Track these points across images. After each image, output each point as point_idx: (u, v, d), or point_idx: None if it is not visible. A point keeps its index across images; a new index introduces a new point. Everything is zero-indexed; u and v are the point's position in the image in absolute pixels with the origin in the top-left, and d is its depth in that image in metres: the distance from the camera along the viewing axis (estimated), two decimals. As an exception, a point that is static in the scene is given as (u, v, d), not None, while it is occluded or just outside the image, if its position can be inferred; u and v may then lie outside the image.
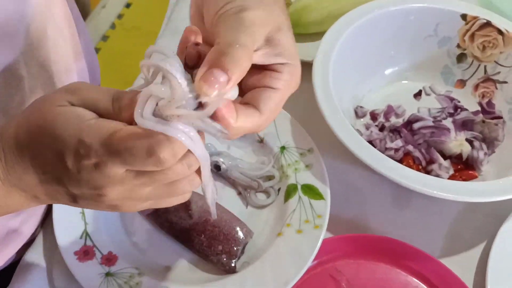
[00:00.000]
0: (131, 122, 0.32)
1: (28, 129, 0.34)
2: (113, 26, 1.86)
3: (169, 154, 0.30)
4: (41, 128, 0.33)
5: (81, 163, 0.31)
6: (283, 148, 0.59)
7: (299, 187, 0.56)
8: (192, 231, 0.52)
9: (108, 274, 0.49)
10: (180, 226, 0.53)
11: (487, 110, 0.63)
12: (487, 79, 0.66)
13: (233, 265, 0.51)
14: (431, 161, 0.60)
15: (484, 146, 0.61)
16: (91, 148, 0.31)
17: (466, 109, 0.64)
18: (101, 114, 0.33)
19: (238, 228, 0.52)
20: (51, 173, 0.33)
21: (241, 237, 0.52)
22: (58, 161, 0.32)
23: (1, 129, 0.35)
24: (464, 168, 0.60)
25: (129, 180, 0.32)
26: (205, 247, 0.52)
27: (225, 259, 0.51)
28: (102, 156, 0.31)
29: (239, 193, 0.58)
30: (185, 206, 0.53)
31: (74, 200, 0.35)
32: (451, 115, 0.64)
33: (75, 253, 0.50)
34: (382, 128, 0.63)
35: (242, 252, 0.53)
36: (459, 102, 0.65)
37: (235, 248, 0.51)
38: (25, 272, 0.52)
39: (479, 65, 0.66)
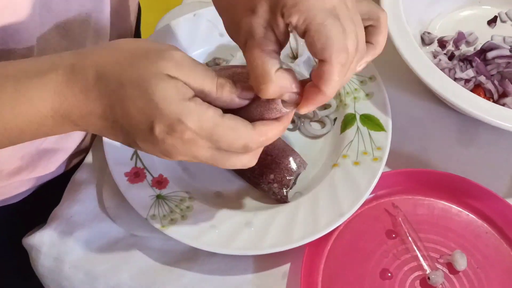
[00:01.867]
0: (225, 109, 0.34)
1: (121, 77, 0.32)
2: None
3: (259, 151, 0.36)
4: (134, 90, 0.32)
5: (172, 136, 0.32)
6: (341, 75, 0.55)
7: (357, 117, 0.53)
8: None
9: (159, 197, 0.49)
10: None
11: None
12: None
13: (284, 194, 0.49)
14: (504, 95, 0.55)
15: None
16: (190, 129, 0.32)
17: (548, 38, 0.57)
18: (201, 96, 0.33)
19: (291, 158, 0.50)
20: (125, 126, 0.33)
21: (294, 167, 0.50)
22: (143, 123, 0.32)
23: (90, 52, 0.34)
24: (541, 103, 0.55)
25: (205, 156, 0.34)
26: (256, 174, 0.50)
27: (276, 188, 0.49)
28: (199, 138, 0.32)
29: (293, 122, 0.55)
30: None
31: (129, 145, 0.35)
32: (529, 44, 0.57)
33: (126, 174, 0.49)
34: (451, 57, 0.57)
35: (295, 182, 0.51)
36: (540, 30, 0.59)
37: (287, 178, 0.49)
38: (75, 191, 0.52)
39: None
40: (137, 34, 0.70)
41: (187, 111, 0.32)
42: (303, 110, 0.34)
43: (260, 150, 0.36)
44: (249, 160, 0.36)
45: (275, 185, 0.49)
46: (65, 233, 0.50)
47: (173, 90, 0.32)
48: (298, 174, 0.51)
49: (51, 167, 0.55)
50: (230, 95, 0.34)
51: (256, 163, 0.49)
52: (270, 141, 0.35)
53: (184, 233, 0.47)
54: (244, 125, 0.34)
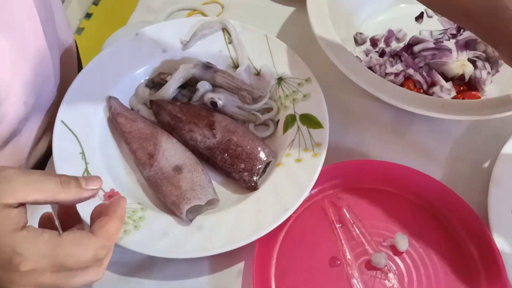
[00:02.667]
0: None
1: None
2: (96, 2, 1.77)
3: (109, 257, 0.36)
4: None
5: (8, 271, 0.31)
6: (280, 79, 0.58)
7: (297, 117, 0.56)
8: (215, 150, 0.53)
9: (111, 210, 0.50)
10: (205, 145, 0.54)
11: (491, 27, 0.60)
12: (492, -4, 0.63)
13: (254, 181, 0.52)
14: (432, 84, 0.58)
15: (487, 65, 0.59)
16: (26, 259, 0.31)
17: (469, 29, 0.61)
18: (50, 200, 0.34)
19: (260, 148, 0.53)
20: None
21: (263, 156, 0.53)
22: None
23: None
24: (467, 89, 0.59)
25: (46, 280, 0.32)
26: (228, 164, 0.53)
27: (247, 176, 0.52)
28: (42, 266, 0.31)
29: (239, 126, 0.58)
30: (209, 126, 0.54)
31: None
32: (454, 36, 0.62)
33: (78, 191, 0.51)
34: (382, 54, 0.61)
35: (264, 171, 0.54)
36: (462, 22, 0.63)
37: (257, 167, 0.52)
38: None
39: (483, -20, 0.62)
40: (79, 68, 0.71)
41: (21, 242, 0.31)
42: None
43: (108, 259, 0.36)
44: (96, 272, 0.34)
45: (246, 173, 0.52)
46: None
47: (5, 222, 0.31)
48: (268, 163, 0.54)
49: None
50: (78, 189, 0.35)
51: (228, 154, 0.53)
52: (114, 239, 0.36)
53: (137, 243, 0.48)
54: (86, 235, 0.34)
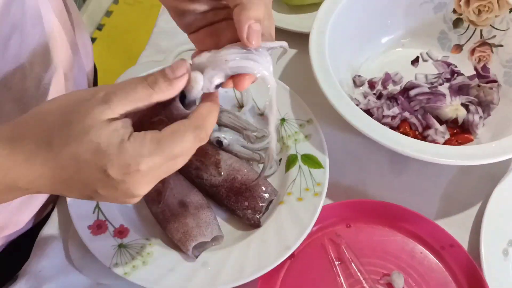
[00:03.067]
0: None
1: (62, 137, 0.34)
2: (116, 1, 1.86)
3: (206, 138, 0.36)
4: (82, 142, 0.33)
5: (130, 173, 0.34)
6: (283, 120, 0.61)
7: (299, 157, 0.59)
8: (221, 187, 0.56)
9: (121, 246, 0.53)
10: (210, 182, 0.56)
11: (482, 74, 0.64)
12: (483, 43, 0.67)
13: (257, 219, 0.54)
14: (427, 127, 0.61)
15: (479, 109, 0.62)
16: (142, 158, 0.33)
17: (462, 74, 0.65)
18: (145, 105, 0.35)
19: (263, 187, 0.55)
20: (81, 180, 0.34)
21: (266, 195, 0.55)
22: (96, 173, 0.34)
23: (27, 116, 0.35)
24: (460, 132, 0.62)
25: (161, 171, 0.35)
26: (232, 202, 0.55)
27: (250, 214, 0.54)
28: (157, 163, 0.34)
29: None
30: (215, 164, 0.56)
31: (88, 198, 0.36)
32: (448, 80, 0.65)
33: (89, 227, 0.53)
34: (380, 96, 0.64)
35: (267, 208, 0.56)
36: (455, 67, 0.66)
37: (260, 204, 0.54)
38: (43, 246, 0.55)
39: (475, 29, 0.66)
40: None
41: (131, 148, 0.33)
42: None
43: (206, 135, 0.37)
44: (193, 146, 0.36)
45: (249, 211, 0.54)
46: (35, 287, 0.53)
47: (114, 134, 0.33)
48: (270, 201, 0.56)
49: (20, 224, 0.58)
50: (167, 83, 0.35)
51: (232, 192, 0.55)
52: (207, 119, 0.36)
53: (145, 278, 0.51)
54: (179, 123, 0.35)
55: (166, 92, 0.35)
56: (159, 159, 0.34)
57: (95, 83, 0.72)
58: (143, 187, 0.35)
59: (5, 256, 0.60)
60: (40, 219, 0.62)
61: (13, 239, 0.60)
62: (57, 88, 0.55)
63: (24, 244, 0.58)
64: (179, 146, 0.34)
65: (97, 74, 0.74)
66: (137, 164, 0.33)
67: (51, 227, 0.57)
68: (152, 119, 0.38)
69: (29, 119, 0.35)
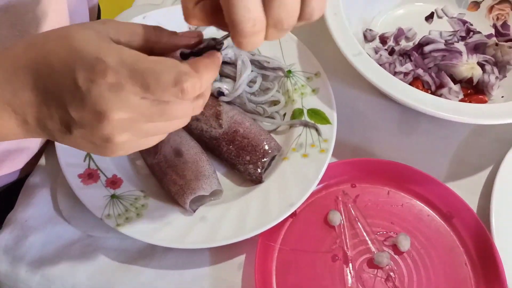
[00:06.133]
0: None
1: (46, 37, 0.32)
2: None
3: (192, 87, 0.31)
4: (56, 42, 0.31)
5: (95, 80, 0.30)
6: (289, 72, 0.57)
7: (305, 111, 0.55)
8: (221, 140, 0.52)
9: (113, 197, 0.49)
10: (210, 135, 0.53)
11: (502, 32, 0.60)
12: (503, 1, 0.63)
13: (259, 174, 0.51)
14: (441, 86, 0.58)
15: (495, 70, 0.59)
16: (110, 67, 0.30)
17: (479, 32, 0.61)
18: (146, 38, 0.33)
19: (265, 141, 0.52)
20: (54, 91, 0.32)
21: (268, 150, 0.52)
22: (66, 77, 0.31)
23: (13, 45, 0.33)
24: (474, 92, 0.59)
25: (139, 110, 0.31)
26: (233, 156, 0.52)
27: (252, 169, 0.51)
28: (123, 77, 0.30)
29: (244, 118, 0.57)
30: (216, 115, 0.53)
31: (67, 128, 0.32)
32: (463, 38, 0.61)
33: (79, 175, 0.50)
34: (391, 52, 0.61)
35: (269, 164, 0.53)
36: (471, 25, 0.63)
37: (262, 159, 0.51)
38: (30, 195, 0.52)
39: (496, -15, 0.62)
40: None
41: (105, 49, 0.30)
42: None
43: (202, 101, 0.34)
44: (188, 108, 0.33)
45: (251, 166, 0.51)
46: (20, 237, 0.50)
47: (92, 33, 0.31)
48: (273, 157, 0.53)
49: (13, 167, 0.54)
50: (170, 33, 0.34)
51: (233, 146, 0.52)
52: (204, 79, 0.32)
53: (139, 231, 0.48)
54: (171, 59, 0.32)
55: (164, 38, 0.34)
56: (128, 78, 0.30)
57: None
58: (110, 106, 0.30)
59: None
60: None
61: (2, 189, 0.56)
62: (60, 22, 0.50)
63: (14, 195, 0.55)
64: (153, 77, 0.30)
65: (101, 14, 0.69)
66: (104, 69, 0.30)
67: (39, 175, 0.53)
68: None
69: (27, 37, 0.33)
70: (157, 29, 0.34)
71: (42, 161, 0.55)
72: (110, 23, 0.33)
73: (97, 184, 0.50)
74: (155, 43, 0.34)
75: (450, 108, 0.50)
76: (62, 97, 0.31)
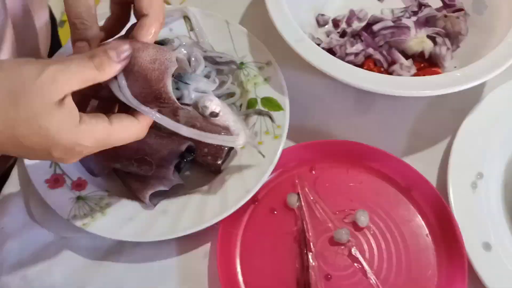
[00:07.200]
0: None
1: (12, 129, 0.34)
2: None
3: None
4: (28, 127, 0.34)
5: (71, 156, 0.36)
6: (241, 64, 0.59)
7: (258, 100, 0.57)
8: (179, 135, 0.54)
9: (79, 198, 0.52)
10: (169, 130, 0.54)
11: (448, 3, 0.61)
12: (452, -27, 0.63)
13: (218, 165, 0.53)
14: (392, 62, 0.59)
15: (447, 41, 0.59)
16: (87, 148, 0.36)
17: (429, 6, 0.62)
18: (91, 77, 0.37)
19: (223, 133, 0.54)
20: (22, 153, 0.36)
21: None
22: (40, 150, 0.35)
23: None
24: (428, 66, 0.59)
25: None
26: None
27: (210, 160, 0.53)
28: (95, 149, 0.37)
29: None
30: (173, 112, 0.55)
31: (26, 155, 0.38)
32: (415, 13, 0.62)
33: (46, 181, 0.53)
34: (343, 34, 0.62)
35: (228, 154, 0.55)
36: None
37: (220, 151, 0.53)
38: (4, 204, 0.55)
39: (443, -43, 0.63)
40: (55, 41, 0.73)
41: (81, 135, 0.36)
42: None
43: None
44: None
45: (209, 157, 0.54)
46: (-2, 244, 0.53)
47: (65, 120, 0.35)
48: (231, 148, 0.55)
49: None
50: (112, 66, 0.37)
51: (192, 139, 0.53)
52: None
53: (105, 228, 0.50)
54: (131, 122, 0.39)
55: (110, 74, 0.37)
56: (103, 147, 0.38)
57: (54, 34, 0.70)
58: (76, 158, 0.37)
59: None
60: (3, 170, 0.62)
61: None
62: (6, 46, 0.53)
63: None
64: (122, 142, 0.38)
65: (56, 24, 0.71)
66: (81, 151, 0.36)
67: (12, 185, 0.56)
68: (94, 94, 0.41)
69: None
70: (92, 56, 0.37)
71: (15, 171, 0.58)
72: (61, 80, 0.34)
73: (63, 187, 0.53)
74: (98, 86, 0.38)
75: (396, 84, 0.51)
76: (31, 154, 0.36)
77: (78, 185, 0.53)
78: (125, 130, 0.39)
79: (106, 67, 0.37)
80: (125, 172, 0.53)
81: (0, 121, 0.33)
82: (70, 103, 0.35)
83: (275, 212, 0.54)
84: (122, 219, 0.51)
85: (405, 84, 0.52)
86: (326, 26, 0.64)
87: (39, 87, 0.33)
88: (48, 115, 0.33)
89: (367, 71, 0.54)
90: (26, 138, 0.34)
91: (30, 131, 0.33)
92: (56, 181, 0.53)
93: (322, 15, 0.64)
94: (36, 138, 0.34)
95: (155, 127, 0.55)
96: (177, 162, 0.52)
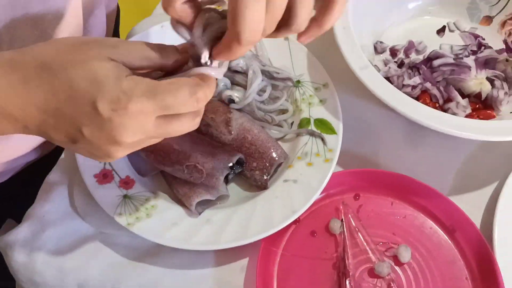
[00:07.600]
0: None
1: (63, 63, 0.34)
2: None
3: (204, 95, 0.36)
4: (76, 71, 0.33)
5: (117, 110, 0.33)
6: (298, 82, 0.59)
7: (312, 121, 0.57)
8: (231, 146, 0.54)
9: (125, 197, 0.52)
10: (219, 140, 0.55)
11: (511, 47, 0.61)
12: (516, 16, 0.63)
13: (265, 181, 0.53)
14: (448, 100, 0.59)
15: (505, 85, 0.59)
16: (134, 99, 0.33)
17: (490, 47, 0.62)
18: (149, 64, 0.37)
19: (272, 149, 0.54)
20: (68, 112, 0.34)
21: (275, 157, 0.54)
22: (86, 103, 0.33)
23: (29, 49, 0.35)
24: (483, 107, 0.59)
25: (149, 133, 0.35)
26: None
27: (258, 175, 0.53)
28: (144, 106, 0.34)
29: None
30: (226, 122, 0.55)
31: (72, 141, 0.35)
32: (474, 53, 0.62)
33: (95, 175, 0.53)
34: (401, 65, 0.62)
35: (275, 171, 0.55)
36: (483, 39, 0.63)
37: (268, 166, 0.53)
38: (48, 192, 0.55)
39: (508, 0, 0.63)
40: (115, 35, 0.73)
41: (126, 83, 0.34)
42: (303, 40, 0.38)
43: (199, 118, 0.38)
44: (188, 126, 0.37)
45: (257, 172, 0.53)
46: (38, 231, 0.53)
47: (114, 69, 0.34)
48: (279, 164, 0.55)
49: (22, 149, 0.57)
50: (175, 53, 0.37)
51: (241, 152, 0.53)
52: (211, 87, 0.37)
53: (148, 230, 0.50)
54: (179, 77, 0.37)
55: (170, 62, 0.38)
56: (150, 104, 0.34)
57: (116, 24, 0.70)
58: (128, 133, 0.34)
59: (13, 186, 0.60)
60: (47, 152, 0.62)
61: (19, 171, 0.60)
62: (75, 20, 0.53)
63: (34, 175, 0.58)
64: (172, 96, 0.34)
65: (120, 16, 0.72)
66: (128, 100, 0.33)
67: (58, 173, 0.57)
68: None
69: (36, 45, 0.35)
70: (163, 50, 0.37)
71: (62, 158, 0.58)
72: (122, 48, 0.35)
73: (111, 184, 0.53)
74: (162, 66, 0.38)
75: (453, 123, 0.51)
76: (77, 118, 0.34)
77: (126, 183, 0.53)
78: (172, 83, 0.35)
79: (169, 51, 0.38)
80: (173, 176, 0.53)
81: (57, 64, 0.34)
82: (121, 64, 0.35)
83: (315, 235, 0.54)
84: (166, 223, 0.51)
85: (462, 125, 0.52)
86: (383, 54, 0.64)
87: (97, 43, 0.35)
88: (100, 62, 0.34)
89: (426, 105, 0.53)
90: (75, 82, 0.33)
91: (80, 74, 0.33)
92: (104, 176, 0.53)
93: (381, 42, 0.64)
94: (85, 82, 0.33)
95: (208, 136, 0.56)
96: (227, 173, 0.52)
